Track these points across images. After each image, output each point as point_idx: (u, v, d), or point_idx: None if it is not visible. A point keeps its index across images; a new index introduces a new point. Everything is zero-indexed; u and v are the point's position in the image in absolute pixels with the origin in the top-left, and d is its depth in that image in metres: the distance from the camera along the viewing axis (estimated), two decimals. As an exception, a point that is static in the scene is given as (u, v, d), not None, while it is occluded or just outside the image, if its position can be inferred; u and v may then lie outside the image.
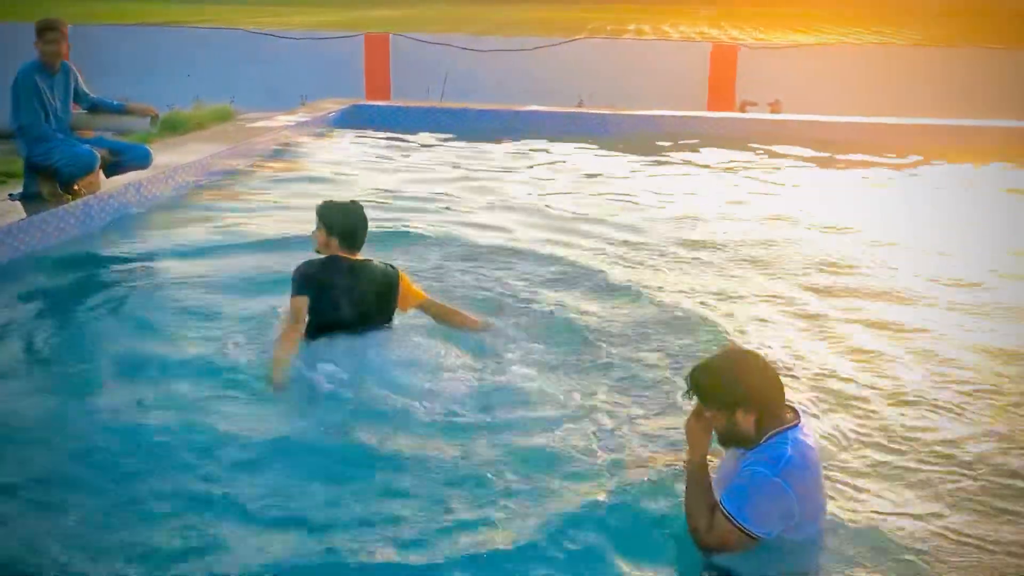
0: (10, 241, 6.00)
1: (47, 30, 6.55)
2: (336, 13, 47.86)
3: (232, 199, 7.87)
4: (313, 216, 4.40)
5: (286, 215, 7.19)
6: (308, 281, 4.30)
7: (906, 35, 34.73)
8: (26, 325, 5.00)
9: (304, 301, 4.27)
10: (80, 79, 6.87)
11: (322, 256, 4.38)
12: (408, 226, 6.88)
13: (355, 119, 11.55)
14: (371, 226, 4.48)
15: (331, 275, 4.30)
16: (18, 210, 6.51)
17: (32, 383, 4.37)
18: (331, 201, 4.48)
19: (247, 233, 6.76)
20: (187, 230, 6.88)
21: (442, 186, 8.50)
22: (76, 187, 6.87)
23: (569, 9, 57.94)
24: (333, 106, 11.88)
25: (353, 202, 4.49)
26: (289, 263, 4.62)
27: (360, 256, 4.43)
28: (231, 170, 8.76)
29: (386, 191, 8.18)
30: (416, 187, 8.39)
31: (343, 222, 4.34)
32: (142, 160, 7.20)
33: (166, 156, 8.46)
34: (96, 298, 5.43)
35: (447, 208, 7.71)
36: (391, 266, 4.56)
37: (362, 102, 12.51)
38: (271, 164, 9.23)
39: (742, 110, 13.44)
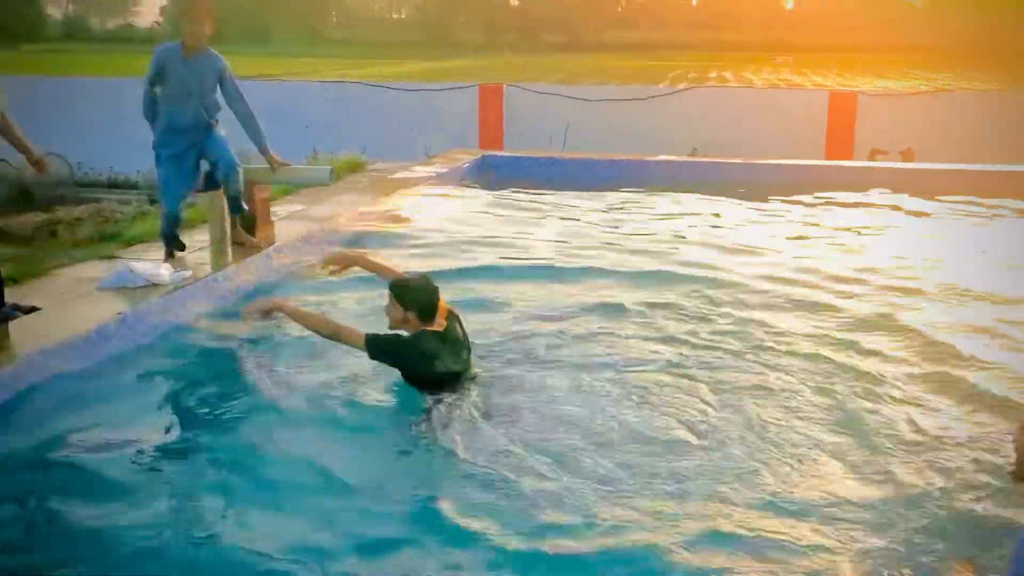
0: (204, 294, 6.06)
1: (190, 8, 6.44)
2: (411, 65, 48.75)
3: (399, 247, 7.88)
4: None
5: (454, 261, 7.23)
6: (393, 353, 4.52)
7: (1002, 81, 34.04)
8: (217, 373, 5.12)
9: (361, 342, 4.48)
10: (228, 72, 6.56)
11: (406, 334, 4.55)
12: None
13: (486, 169, 11.61)
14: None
15: (428, 351, 4.47)
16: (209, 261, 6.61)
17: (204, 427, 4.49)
18: (403, 278, 4.68)
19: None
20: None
21: (593, 233, 8.50)
22: (255, 239, 6.97)
23: (649, 58, 58.20)
24: (465, 156, 11.97)
25: (424, 276, 4.69)
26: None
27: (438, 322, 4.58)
28: (390, 218, 8.80)
29: (544, 239, 8.20)
30: (562, 234, 8.46)
31: (420, 299, 4.52)
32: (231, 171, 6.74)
33: (323, 207, 8.57)
34: (277, 348, 5.44)
35: (596, 253, 7.72)
36: (451, 310, 4.73)
37: (492, 153, 12.55)
38: (418, 214, 9.27)
39: (871, 159, 13.19)
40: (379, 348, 4.49)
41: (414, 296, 4.51)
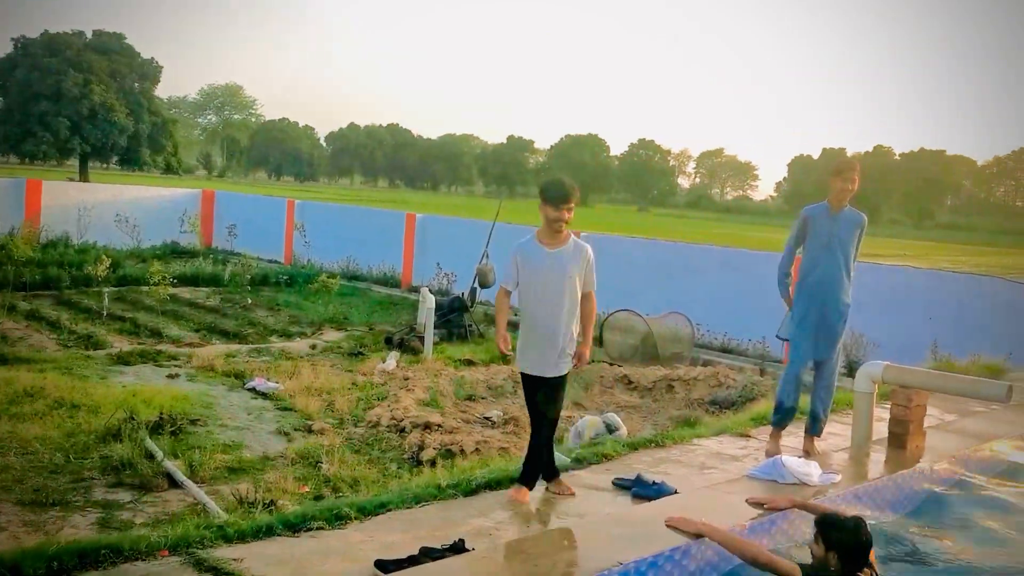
0: (850, 503, 5.45)
1: (844, 169, 6.45)
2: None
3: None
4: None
5: None
6: None
7: None
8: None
9: (796, 573, 4.09)
10: (865, 230, 6.45)
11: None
12: None
13: None
14: None
15: None
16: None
17: None
18: (831, 514, 4.32)
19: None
20: None
21: None
22: (812, 448, 6.35)
23: None
24: None
25: (857, 519, 4.26)
26: None
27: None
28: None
29: None
30: None
31: (844, 540, 4.14)
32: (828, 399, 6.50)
33: (976, 421, 7.53)
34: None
35: None
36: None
37: None
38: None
39: None
40: None
41: (837, 536, 4.15)
